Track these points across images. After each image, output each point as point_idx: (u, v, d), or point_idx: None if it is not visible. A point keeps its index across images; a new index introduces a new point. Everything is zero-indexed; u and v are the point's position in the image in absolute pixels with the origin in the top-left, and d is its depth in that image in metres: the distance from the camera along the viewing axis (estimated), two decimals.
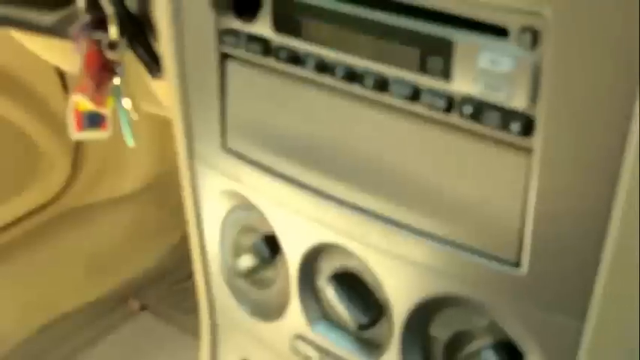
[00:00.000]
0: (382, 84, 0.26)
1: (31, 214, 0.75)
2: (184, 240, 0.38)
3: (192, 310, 0.42)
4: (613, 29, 0.20)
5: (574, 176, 0.22)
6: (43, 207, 0.75)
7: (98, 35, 0.34)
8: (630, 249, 0.22)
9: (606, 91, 0.21)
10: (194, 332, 0.43)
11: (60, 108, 0.68)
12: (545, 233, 0.24)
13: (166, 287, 0.87)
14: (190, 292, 0.44)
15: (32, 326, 0.77)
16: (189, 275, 0.40)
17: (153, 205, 0.83)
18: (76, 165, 0.76)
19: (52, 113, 0.70)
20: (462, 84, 0.24)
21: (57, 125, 0.70)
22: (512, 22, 0.23)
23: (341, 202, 0.29)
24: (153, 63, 0.35)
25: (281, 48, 0.28)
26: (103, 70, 0.35)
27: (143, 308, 0.85)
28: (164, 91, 0.36)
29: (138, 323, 0.82)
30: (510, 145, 0.24)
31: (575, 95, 0.22)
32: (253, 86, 0.31)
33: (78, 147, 0.75)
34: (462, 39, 0.24)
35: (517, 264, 0.25)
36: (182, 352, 0.65)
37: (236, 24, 0.29)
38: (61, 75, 0.70)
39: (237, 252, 0.35)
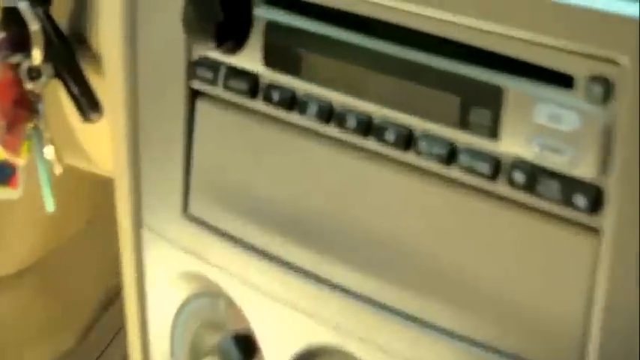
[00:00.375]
0: (407, 140, 0.21)
1: None
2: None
3: None
4: None
5: None
6: None
7: (16, 58, 0.25)
8: None
9: None
10: None
11: None
12: (616, 344, 0.19)
13: None
14: None
15: None
16: None
17: (40, 293, 0.60)
18: None
19: None
20: (512, 144, 0.19)
21: None
22: (579, 70, 0.18)
23: (343, 292, 0.23)
24: (87, 100, 0.27)
25: (273, 87, 0.22)
26: (18, 105, 0.26)
27: None
28: (98, 139, 0.28)
29: None
30: (573, 224, 0.19)
31: None
32: (231, 135, 0.24)
33: None
34: (514, 87, 0.19)
35: None
36: None
37: (214, 54, 0.22)
38: None
39: (196, 356, 0.26)
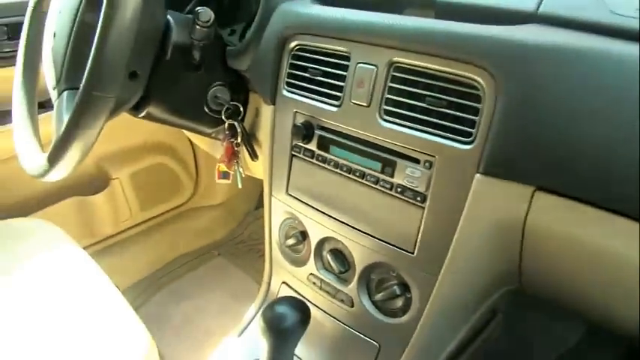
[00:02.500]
0: (362, 175, 0.71)
1: (172, 210, 1.55)
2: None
3: (254, 260, 0.90)
4: None
5: None
6: (178, 207, 1.49)
7: (232, 140, 0.80)
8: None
9: None
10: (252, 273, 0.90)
11: (189, 158, 1.55)
12: (429, 244, 0.71)
13: (238, 247, 1.56)
14: (254, 251, 0.91)
15: (151, 269, 1.46)
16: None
17: (234, 206, 1.66)
18: (195, 187, 1.57)
19: (186, 161, 1.52)
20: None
21: (188, 167, 1.55)
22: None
23: (338, 220, 0.74)
24: (253, 153, 0.82)
25: (320, 155, 0.73)
26: (232, 154, 0.81)
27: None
28: (255, 167, 0.83)
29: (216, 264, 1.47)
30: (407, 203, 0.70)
31: None
32: (304, 171, 0.76)
33: (197, 178, 1.58)
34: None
35: (412, 252, 0.66)
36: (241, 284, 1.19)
37: (300, 142, 0.75)
38: (191, 144, 1.47)
39: (286, 236, 0.81)
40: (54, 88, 0.72)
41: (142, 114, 0.79)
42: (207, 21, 0.73)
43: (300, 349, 0.68)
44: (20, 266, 0.89)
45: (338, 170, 0.70)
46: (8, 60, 1.08)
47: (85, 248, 0.96)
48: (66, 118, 0.62)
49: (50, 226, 1.00)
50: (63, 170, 0.65)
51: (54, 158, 0.64)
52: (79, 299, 0.84)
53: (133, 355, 0.77)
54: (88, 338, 0.78)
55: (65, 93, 0.69)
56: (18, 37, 0.83)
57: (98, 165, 1.36)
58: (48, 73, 0.74)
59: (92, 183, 1.35)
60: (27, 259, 0.90)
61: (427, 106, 0.59)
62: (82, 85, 0.59)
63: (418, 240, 0.64)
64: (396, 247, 0.66)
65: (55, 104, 0.70)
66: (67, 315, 0.81)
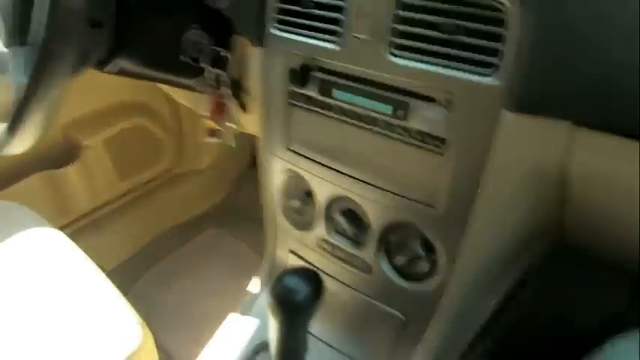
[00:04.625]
0: (371, 121, 0.70)
1: (155, 178, 1.56)
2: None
3: (253, 228, 0.91)
4: None
5: None
6: (162, 174, 1.53)
7: (219, 93, 0.80)
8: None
9: None
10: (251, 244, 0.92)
11: (169, 117, 1.53)
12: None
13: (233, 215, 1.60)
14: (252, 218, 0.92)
15: (137, 246, 1.49)
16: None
17: (225, 168, 1.68)
18: (178, 150, 1.59)
19: (165, 121, 1.51)
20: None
21: (168, 128, 1.55)
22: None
23: (348, 175, 0.74)
24: (243, 105, 0.81)
25: (321, 102, 0.73)
26: (219, 108, 0.81)
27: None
28: (247, 121, 0.83)
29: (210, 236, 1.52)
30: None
31: None
32: (305, 121, 0.76)
33: (180, 139, 1.59)
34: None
35: (434, 207, 0.67)
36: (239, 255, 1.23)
37: (297, 88, 0.74)
38: (171, 101, 1.44)
39: (289, 198, 0.82)
40: (7, 47, 0.71)
41: (111, 69, 0.79)
42: None
43: (313, 326, 0.70)
44: None
45: (344, 117, 0.70)
46: None
47: (60, 229, 0.97)
48: (24, 80, 0.61)
49: (18, 207, 1.01)
50: (26, 140, 0.66)
51: (14, 127, 0.64)
52: (61, 287, 0.86)
53: (126, 347, 0.79)
54: (75, 330, 0.80)
55: (20, 50, 0.69)
56: None
57: (65, 132, 1.35)
58: None
59: (60, 154, 1.35)
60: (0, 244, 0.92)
61: (442, 36, 0.58)
62: (40, 39, 0.58)
63: (440, 192, 0.64)
64: (416, 201, 0.67)
65: (11, 65, 0.70)
66: (50, 305, 0.83)
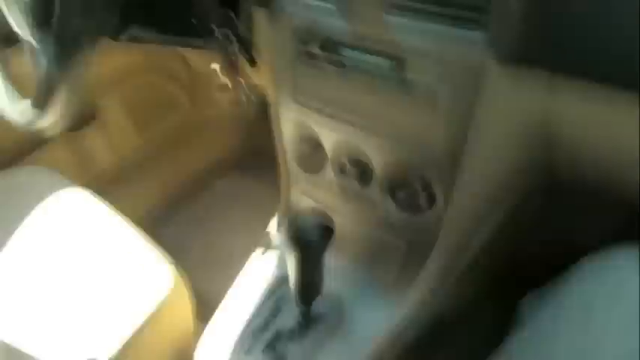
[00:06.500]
0: (372, 75, 0.76)
1: (169, 128, 1.65)
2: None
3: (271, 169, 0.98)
4: None
5: None
6: (178, 124, 1.66)
7: (229, 51, 0.86)
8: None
9: None
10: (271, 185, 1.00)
11: (181, 72, 1.60)
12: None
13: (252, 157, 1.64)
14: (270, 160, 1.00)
15: (160, 195, 1.57)
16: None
17: (236, 118, 1.71)
18: (192, 100, 1.67)
19: (177, 75, 1.60)
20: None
21: (181, 81, 1.63)
22: None
23: (352, 124, 0.81)
24: (252, 61, 0.87)
25: (326, 57, 0.78)
26: (230, 64, 0.87)
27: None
28: (257, 74, 0.89)
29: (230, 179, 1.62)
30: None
31: None
32: (311, 76, 0.82)
33: (194, 93, 1.66)
34: None
35: (432, 150, 0.73)
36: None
37: (302, 46, 0.80)
38: (183, 59, 1.52)
39: (299, 146, 0.90)
40: (24, 26, 0.76)
41: (125, 38, 0.84)
42: None
43: (327, 259, 0.78)
44: (28, 218, 0.97)
45: (347, 72, 0.76)
46: None
47: (86, 187, 1.04)
48: (44, 59, 0.66)
49: (44, 171, 1.07)
50: (56, 115, 0.71)
51: (43, 102, 0.69)
52: (93, 240, 0.93)
53: (162, 287, 0.87)
54: (112, 278, 0.88)
55: (37, 30, 0.74)
56: None
57: (83, 95, 1.41)
58: (11, 9, 0.78)
59: (78, 116, 1.42)
60: (33, 209, 0.98)
61: None
62: (56, 15, 0.63)
63: (436, 138, 0.71)
64: (415, 145, 0.74)
65: (28, 43, 0.75)
66: (85, 258, 0.91)
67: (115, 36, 0.84)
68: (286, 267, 0.75)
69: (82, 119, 1.42)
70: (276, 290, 0.89)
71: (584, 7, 0.54)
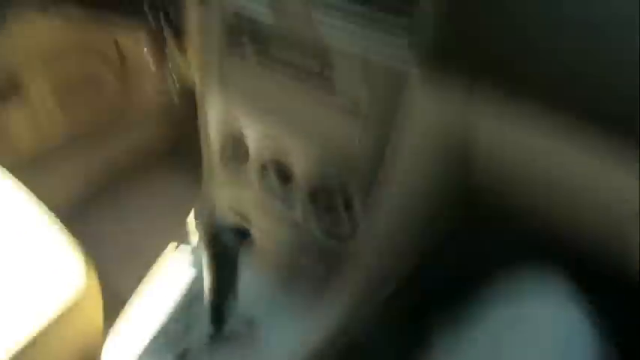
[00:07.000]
0: (301, 77, 0.74)
1: (96, 112, 1.57)
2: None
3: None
4: None
5: None
6: (108, 111, 1.58)
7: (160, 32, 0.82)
8: None
9: None
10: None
11: (113, 56, 1.52)
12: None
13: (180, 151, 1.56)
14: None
15: (84, 185, 1.50)
16: None
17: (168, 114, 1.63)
18: (124, 89, 1.57)
19: (109, 60, 1.51)
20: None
21: (112, 66, 1.53)
22: None
23: (278, 128, 0.78)
24: (180, 47, 0.84)
25: (255, 52, 0.76)
26: (159, 46, 0.84)
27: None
28: (186, 62, 0.86)
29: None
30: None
31: None
32: (240, 73, 0.78)
33: (127, 82, 1.57)
34: None
35: (355, 163, 0.73)
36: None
37: (232, 42, 0.77)
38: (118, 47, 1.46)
39: (224, 146, 0.86)
40: None
41: (55, 12, 0.79)
42: None
43: (245, 276, 0.76)
44: None
45: (273, 65, 0.73)
46: None
47: (3, 166, 0.98)
48: None
49: None
50: None
51: None
52: (3, 227, 0.87)
53: (69, 285, 0.81)
54: (17, 270, 0.80)
55: None
56: None
57: (6, 69, 1.34)
58: None
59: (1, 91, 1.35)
60: None
61: None
62: None
63: (358, 148, 0.68)
64: (335, 151, 0.71)
65: None
66: None
67: (44, 11, 0.80)
68: (201, 265, 0.72)
69: (2, 92, 1.35)
70: (192, 303, 0.85)
71: (499, 13, 0.53)
